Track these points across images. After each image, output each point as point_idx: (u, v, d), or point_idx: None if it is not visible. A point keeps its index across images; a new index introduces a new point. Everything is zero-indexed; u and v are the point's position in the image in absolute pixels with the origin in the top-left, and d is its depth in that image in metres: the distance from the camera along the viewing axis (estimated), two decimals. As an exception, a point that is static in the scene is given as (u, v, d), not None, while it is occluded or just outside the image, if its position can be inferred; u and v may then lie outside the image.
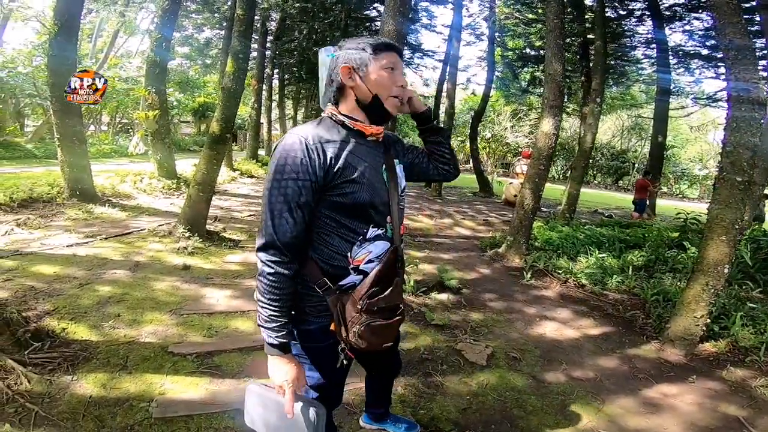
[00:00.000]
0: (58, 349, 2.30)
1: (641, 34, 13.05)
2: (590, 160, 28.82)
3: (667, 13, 11.33)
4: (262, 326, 1.04)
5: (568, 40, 12.05)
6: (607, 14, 11.20)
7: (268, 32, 15.02)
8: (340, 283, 1.09)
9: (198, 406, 1.99)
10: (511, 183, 12.06)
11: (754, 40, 9.08)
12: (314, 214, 1.05)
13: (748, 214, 5.21)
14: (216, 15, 13.92)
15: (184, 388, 2.14)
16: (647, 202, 10.35)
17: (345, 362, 1.13)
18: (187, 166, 10.71)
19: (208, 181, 5.07)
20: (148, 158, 10.40)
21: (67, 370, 2.16)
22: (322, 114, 1.17)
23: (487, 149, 28.47)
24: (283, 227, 1.00)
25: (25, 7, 14.21)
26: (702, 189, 28.17)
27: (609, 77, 13.81)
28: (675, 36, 30.89)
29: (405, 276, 3.90)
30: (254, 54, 13.56)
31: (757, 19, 8.31)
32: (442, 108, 13.57)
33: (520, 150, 25.26)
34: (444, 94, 13.44)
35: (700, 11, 10.94)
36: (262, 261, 1.01)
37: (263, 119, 18.46)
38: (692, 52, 12.77)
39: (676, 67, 12.76)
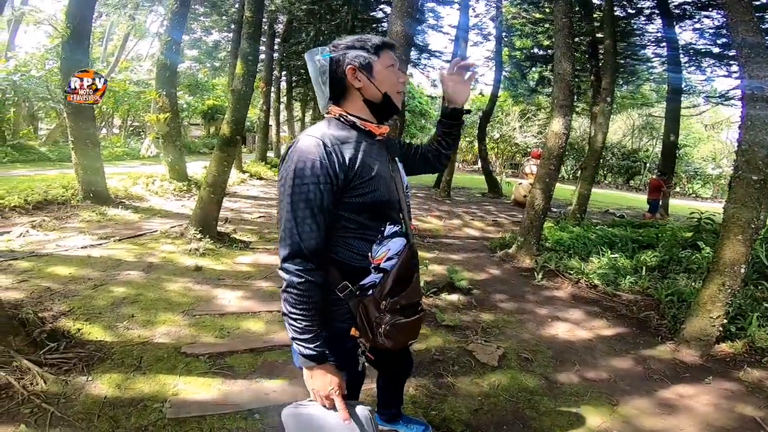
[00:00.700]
0: (74, 349, 2.33)
1: (651, 32, 12.92)
2: (601, 160, 28.66)
3: (677, 11, 11.19)
4: (297, 338, 1.01)
5: (576, 39, 11.96)
6: (615, 13, 11.09)
7: (275, 34, 15.11)
8: (361, 283, 1.08)
9: (210, 406, 2.01)
10: (520, 183, 11.98)
11: (767, 37, 8.98)
12: (333, 217, 1.03)
13: (764, 213, 5.09)
14: (224, 18, 14.05)
15: (197, 389, 2.15)
16: (660, 202, 10.22)
17: (366, 364, 1.13)
18: (197, 168, 10.82)
19: (219, 183, 5.11)
20: (159, 161, 10.55)
21: (82, 370, 2.18)
22: (327, 115, 1.15)
23: (496, 150, 28.33)
24: (308, 233, 0.97)
25: (37, 11, 14.47)
26: (715, 188, 27.70)
27: (619, 76, 13.66)
28: (685, 34, 30.43)
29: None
30: (262, 56, 13.66)
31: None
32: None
33: (528, 150, 25.11)
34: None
35: (711, 9, 10.78)
36: (290, 272, 0.98)
37: (272, 121, 18.58)
38: (703, 50, 12.58)
39: (687, 65, 12.60)
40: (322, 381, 1.03)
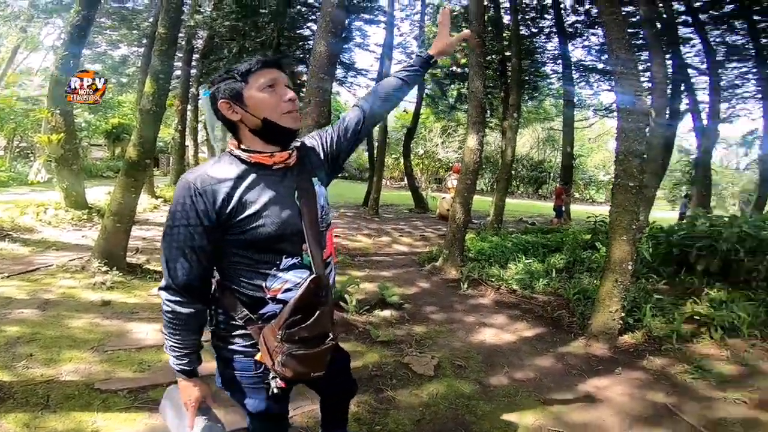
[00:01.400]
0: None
1: (549, 50, 14.41)
2: (512, 172, 31.52)
3: (570, 29, 12.52)
4: (169, 353, 1.11)
5: (489, 57, 13.00)
6: (521, 32, 12.24)
7: (194, 50, 14.31)
8: (261, 312, 1.08)
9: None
10: (443, 198, 12.57)
11: (639, 53, 10.58)
12: (221, 252, 1.07)
13: (643, 215, 5.96)
14: (135, 32, 13.02)
15: (120, 425, 2.03)
16: (563, 208, 11.44)
17: (276, 391, 1.10)
18: (100, 194, 9.73)
19: (126, 211, 4.67)
20: (53, 186, 9.29)
21: (-21, 414, 1.90)
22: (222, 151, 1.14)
23: (421, 165, 29.50)
24: (178, 271, 1.03)
25: None
26: (607, 193, 31.77)
27: (524, 92, 14.87)
28: (577, 51, 34.52)
29: (348, 296, 3.91)
30: (178, 72, 12.86)
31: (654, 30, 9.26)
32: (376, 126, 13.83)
33: (450, 165, 26.57)
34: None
35: (597, 27, 12.07)
36: (162, 299, 1.07)
37: (188, 142, 17.44)
38: (591, 66, 14.32)
39: (578, 81, 14.02)
40: (185, 392, 1.13)
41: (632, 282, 4.58)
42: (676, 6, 11.29)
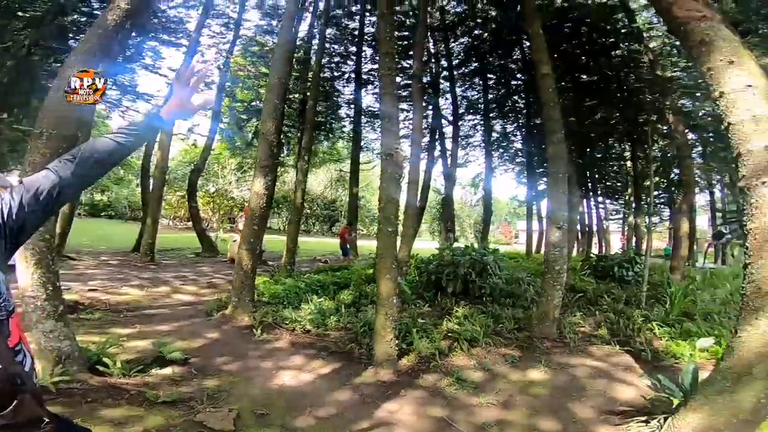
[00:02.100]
0: None
1: (345, 94, 15.57)
2: (309, 210, 32.80)
3: (365, 76, 13.77)
4: None
5: (292, 96, 13.18)
6: (325, 74, 12.85)
7: None
8: None
9: None
10: (234, 241, 11.88)
11: (403, 104, 12.49)
12: None
13: (406, 250, 7.16)
14: None
15: None
16: (348, 246, 12.55)
17: None
18: None
19: None
20: None
21: None
22: None
23: (212, 204, 27.32)
24: None
25: None
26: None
27: (320, 133, 15.63)
28: (368, 98, 38.56)
29: (109, 359, 3.37)
30: None
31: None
32: (153, 160, 12.07)
33: (246, 204, 25.51)
34: (156, 144, 12.07)
35: None
36: None
37: None
38: (376, 112, 16.26)
39: (365, 124, 15.19)
40: None
41: (403, 310, 5.37)
42: (443, 62, 14.22)
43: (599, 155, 14.02)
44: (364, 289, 6.45)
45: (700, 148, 12.41)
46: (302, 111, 12.00)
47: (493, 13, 11.58)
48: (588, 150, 12.45)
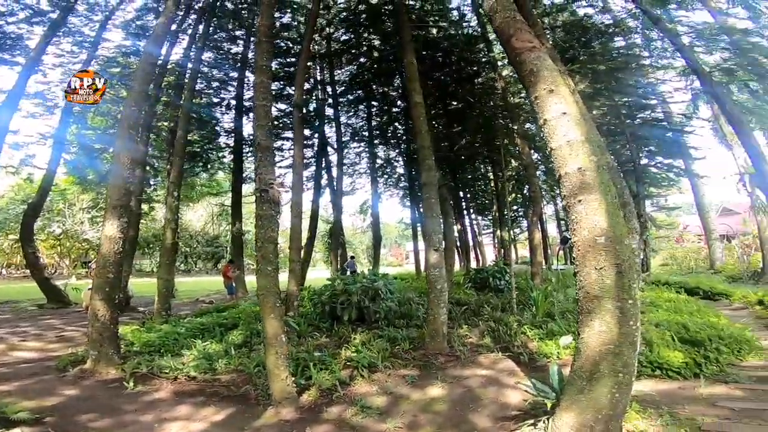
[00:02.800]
0: None
1: (225, 122, 14.48)
2: (189, 248, 29.30)
3: (248, 103, 12.64)
4: None
5: (160, 124, 11.69)
6: (201, 100, 11.66)
7: None
8: None
9: None
10: (90, 288, 10.00)
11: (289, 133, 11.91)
12: None
13: (294, 284, 7.00)
14: None
15: None
16: (234, 284, 11.62)
17: None
18: None
19: None
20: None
21: None
22: None
23: (60, 248, 22.79)
24: None
25: None
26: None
27: (196, 165, 14.29)
28: (250, 126, 36.30)
29: None
30: None
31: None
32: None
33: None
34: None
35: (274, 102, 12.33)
36: None
37: None
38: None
39: (248, 154, 13.94)
40: None
41: (299, 344, 5.16)
42: (329, 90, 14.19)
43: (469, 176, 15.71)
44: (255, 328, 6.05)
45: (543, 167, 15.02)
46: (171, 140, 10.72)
47: (377, 43, 12.22)
48: (459, 172, 13.85)
